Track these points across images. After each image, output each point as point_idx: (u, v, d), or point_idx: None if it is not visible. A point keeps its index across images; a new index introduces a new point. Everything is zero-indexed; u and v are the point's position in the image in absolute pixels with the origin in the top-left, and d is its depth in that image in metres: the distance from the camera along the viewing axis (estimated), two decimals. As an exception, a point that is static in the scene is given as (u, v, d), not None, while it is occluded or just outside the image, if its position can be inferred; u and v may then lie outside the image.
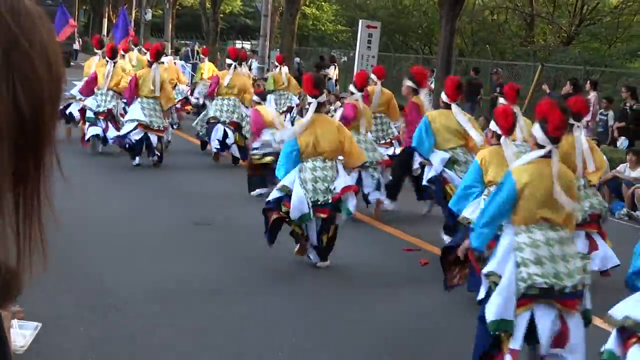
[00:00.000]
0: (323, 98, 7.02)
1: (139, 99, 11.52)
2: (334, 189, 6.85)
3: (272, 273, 6.83)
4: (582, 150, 6.36)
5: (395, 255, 7.72)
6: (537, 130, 4.60)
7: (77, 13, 41.26)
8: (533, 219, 4.48)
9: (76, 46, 39.21)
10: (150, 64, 11.92)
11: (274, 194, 6.83)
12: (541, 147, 4.58)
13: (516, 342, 4.45)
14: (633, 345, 3.97)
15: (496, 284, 4.45)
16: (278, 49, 26.35)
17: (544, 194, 4.45)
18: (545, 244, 4.44)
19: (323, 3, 43.08)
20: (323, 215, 6.81)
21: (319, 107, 6.98)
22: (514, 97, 7.48)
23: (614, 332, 4.08)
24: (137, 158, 11.66)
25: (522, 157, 4.70)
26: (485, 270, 4.62)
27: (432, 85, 19.09)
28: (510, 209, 4.54)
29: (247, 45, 38.09)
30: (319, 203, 6.78)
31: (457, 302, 6.27)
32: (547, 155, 4.49)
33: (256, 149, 9.63)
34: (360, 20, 20.98)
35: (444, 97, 7.85)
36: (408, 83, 8.73)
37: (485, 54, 25.90)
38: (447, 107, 7.85)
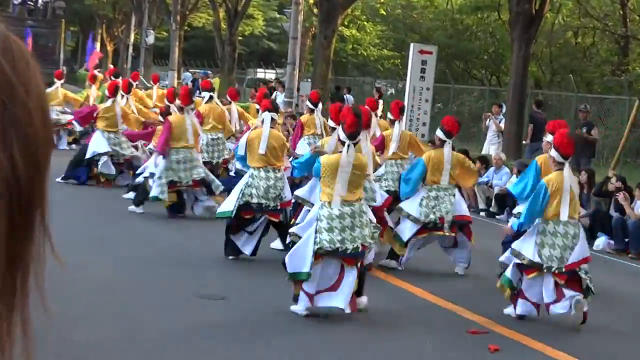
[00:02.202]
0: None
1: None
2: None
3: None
4: None
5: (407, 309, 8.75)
6: None
7: (63, 36, 41.57)
8: None
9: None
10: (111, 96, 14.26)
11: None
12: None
13: (311, 287, 7.63)
14: (532, 275, 7.97)
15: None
16: (309, 79, 26.94)
17: None
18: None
19: (365, 23, 42.80)
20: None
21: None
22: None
23: (512, 265, 8.04)
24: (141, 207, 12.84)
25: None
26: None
27: (502, 125, 20.07)
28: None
29: (271, 75, 38.32)
30: (349, 252, 7.85)
31: None
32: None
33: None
34: (412, 44, 21.24)
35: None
36: (438, 133, 9.94)
37: (567, 85, 25.98)
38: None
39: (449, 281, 9.88)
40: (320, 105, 14.90)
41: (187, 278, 8.91)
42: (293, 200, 9.78)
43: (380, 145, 11.79)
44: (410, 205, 9.88)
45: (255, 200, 9.69)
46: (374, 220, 8.28)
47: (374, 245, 8.50)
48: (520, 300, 8.21)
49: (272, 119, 9.85)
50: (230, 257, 9.82)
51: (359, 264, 7.78)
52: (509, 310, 8.32)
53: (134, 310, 7.71)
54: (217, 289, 8.57)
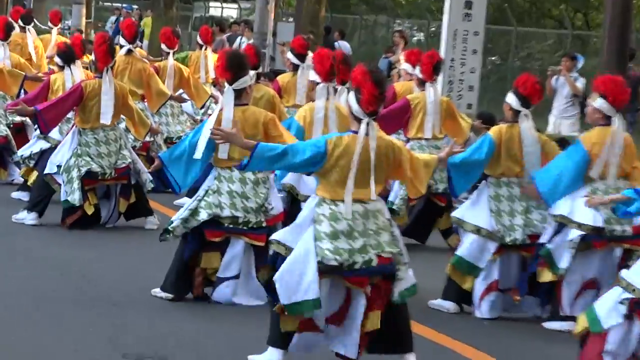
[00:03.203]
0: None
1: None
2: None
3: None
4: None
5: None
6: None
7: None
8: None
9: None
10: None
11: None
12: None
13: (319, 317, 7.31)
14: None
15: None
16: (291, 19, 26.43)
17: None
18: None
19: None
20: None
21: None
22: None
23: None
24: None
25: None
26: None
27: (580, 85, 18.58)
28: None
29: (231, 11, 37.20)
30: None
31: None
32: None
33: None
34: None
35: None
36: (508, 99, 9.66)
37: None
38: None
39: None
40: (308, 60, 13.88)
41: (105, 326, 8.29)
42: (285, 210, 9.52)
43: (399, 118, 11.58)
44: (473, 213, 9.42)
45: (226, 213, 8.93)
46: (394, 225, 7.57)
47: (405, 261, 7.47)
48: None
49: (238, 91, 8.92)
50: (170, 297, 9.11)
51: (370, 287, 7.11)
52: None
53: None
54: (151, 344, 7.96)
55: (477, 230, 9.38)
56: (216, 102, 15.43)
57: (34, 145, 12.34)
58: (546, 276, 9.14)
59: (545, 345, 8.59)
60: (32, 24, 18.07)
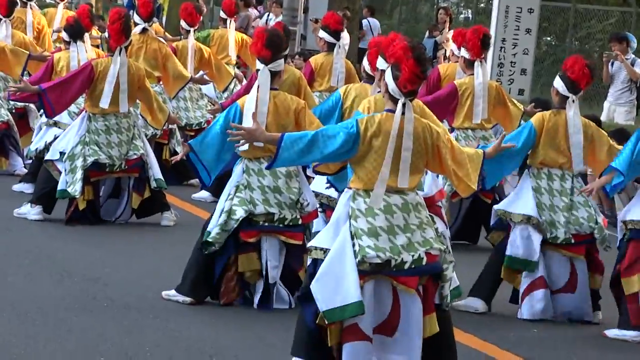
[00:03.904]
0: None
1: None
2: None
3: None
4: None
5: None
6: None
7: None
8: None
9: None
10: None
11: None
12: None
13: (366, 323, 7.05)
14: None
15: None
16: None
17: None
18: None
19: None
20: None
21: None
22: None
23: None
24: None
25: None
26: None
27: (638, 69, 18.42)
28: None
29: None
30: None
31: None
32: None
33: None
34: None
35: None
36: (556, 83, 9.65)
37: None
38: None
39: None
40: (345, 38, 14.05)
41: (115, 331, 8.18)
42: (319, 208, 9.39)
43: (445, 105, 11.39)
44: (519, 203, 9.40)
45: (260, 210, 8.81)
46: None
47: (450, 259, 7.47)
48: None
49: (274, 73, 8.91)
50: (188, 301, 9.01)
51: (421, 288, 7.03)
52: None
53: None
54: (166, 350, 7.82)
55: (527, 219, 9.33)
56: (240, 83, 15.30)
57: (46, 134, 12.22)
58: (634, 286, 9.12)
59: (616, 356, 8.57)
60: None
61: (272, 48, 8.70)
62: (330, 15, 14.47)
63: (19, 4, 16.19)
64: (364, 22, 25.10)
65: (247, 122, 8.54)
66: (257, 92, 8.80)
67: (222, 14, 16.86)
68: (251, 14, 25.00)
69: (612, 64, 18.10)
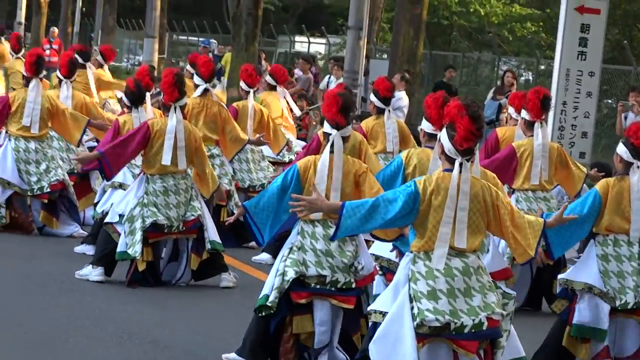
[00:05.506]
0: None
1: None
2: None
3: None
4: None
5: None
6: None
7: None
8: None
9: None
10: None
11: None
12: None
13: None
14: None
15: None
16: (386, 55, 26.32)
17: None
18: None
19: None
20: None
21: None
22: None
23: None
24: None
25: None
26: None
27: None
28: None
29: (319, 46, 36.53)
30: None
31: None
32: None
33: None
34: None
35: None
36: (619, 150, 9.39)
37: None
38: None
39: None
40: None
41: None
42: (379, 270, 9.28)
43: (504, 168, 11.25)
44: (582, 273, 9.23)
45: (312, 272, 8.66)
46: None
47: (506, 328, 7.39)
48: None
49: (344, 138, 8.84)
50: None
51: (482, 352, 7.04)
52: None
53: None
54: None
55: (589, 289, 9.13)
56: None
57: (112, 196, 12.14)
58: None
59: None
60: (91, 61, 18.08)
61: (347, 112, 8.58)
62: (381, 80, 14.43)
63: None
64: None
65: (320, 183, 8.51)
66: (329, 156, 8.60)
67: (269, 79, 16.66)
68: (310, 76, 24.99)
69: (627, 116, 17.49)
